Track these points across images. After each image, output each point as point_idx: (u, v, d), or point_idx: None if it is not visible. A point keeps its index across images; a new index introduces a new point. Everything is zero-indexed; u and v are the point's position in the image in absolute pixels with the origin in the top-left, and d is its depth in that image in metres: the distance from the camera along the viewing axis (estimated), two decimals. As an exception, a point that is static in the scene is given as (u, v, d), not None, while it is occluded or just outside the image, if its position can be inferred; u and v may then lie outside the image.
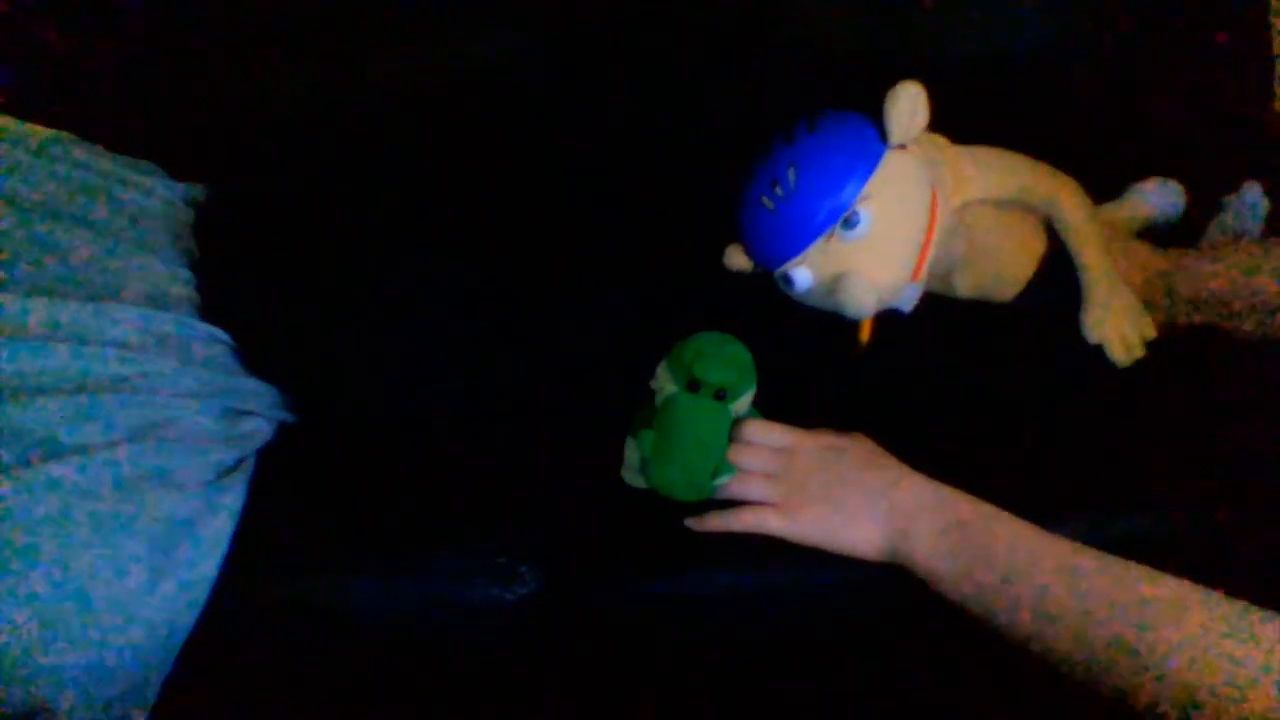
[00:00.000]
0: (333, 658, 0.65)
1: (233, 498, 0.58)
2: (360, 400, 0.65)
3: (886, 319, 0.68)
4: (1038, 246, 0.69)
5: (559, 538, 0.65)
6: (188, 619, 0.55)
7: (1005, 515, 0.54)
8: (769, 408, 0.63)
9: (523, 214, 0.76)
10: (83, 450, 0.51)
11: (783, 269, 0.63)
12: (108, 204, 0.62)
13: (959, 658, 0.64)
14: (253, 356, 0.62)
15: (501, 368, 0.66)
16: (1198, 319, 0.69)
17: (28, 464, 0.49)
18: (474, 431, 0.67)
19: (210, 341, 0.61)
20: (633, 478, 0.61)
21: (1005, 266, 0.69)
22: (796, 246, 0.62)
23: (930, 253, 0.63)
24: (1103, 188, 0.78)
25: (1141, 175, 0.79)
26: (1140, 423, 0.65)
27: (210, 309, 0.61)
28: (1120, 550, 0.50)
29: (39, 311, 0.53)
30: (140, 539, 0.52)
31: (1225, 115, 0.86)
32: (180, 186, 0.70)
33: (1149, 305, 0.69)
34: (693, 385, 0.60)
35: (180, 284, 0.62)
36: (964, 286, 0.70)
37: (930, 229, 0.62)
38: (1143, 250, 0.73)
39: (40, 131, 0.65)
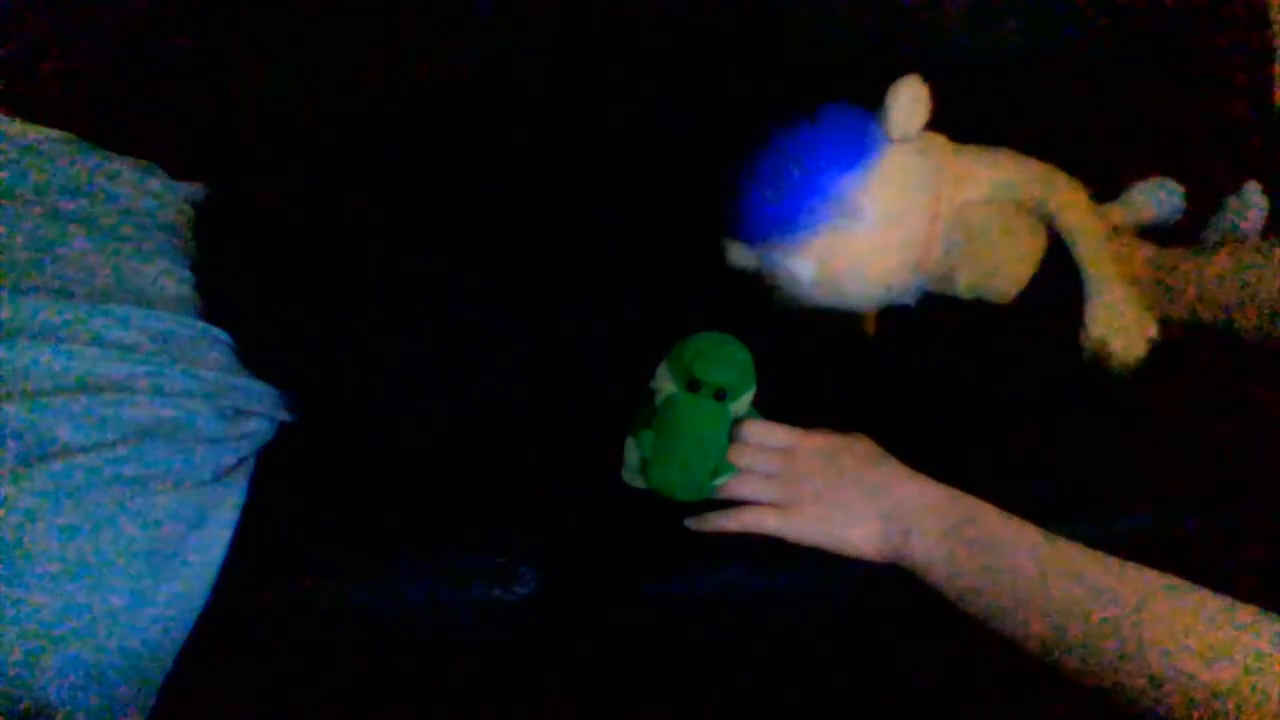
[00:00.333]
0: (333, 658, 0.65)
1: (233, 498, 0.58)
2: (360, 400, 0.65)
3: (889, 314, 0.68)
4: (1038, 245, 0.69)
5: (559, 538, 0.65)
6: (188, 619, 0.55)
7: (1005, 515, 0.54)
8: (769, 408, 0.63)
9: (522, 214, 0.76)
10: (83, 450, 0.51)
11: (785, 262, 0.63)
12: (108, 204, 0.62)
13: (959, 657, 0.64)
14: (253, 356, 0.62)
15: (501, 368, 0.66)
16: (1198, 319, 0.69)
17: (28, 464, 0.49)
18: (474, 431, 0.67)
19: (210, 341, 0.61)
20: (632, 478, 0.61)
21: (1005, 266, 0.70)
22: (799, 238, 0.61)
23: (937, 246, 0.63)
24: (1103, 188, 0.78)
25: (1141, 175, 0.79)
26: (1140, 423, 0.65)
27: (210, 309, 0.61)
28: (1120, 550, 0.50)
29: (39, 311, 0.53)
30: (140, 539, 0.52)
31: (1225, 115, 0.86)
32: (180, 186, 0.70)
33: (1151, 305, 0.69)
34: (692, 385, 0.60)
35: (180, 284, 0.62)
36: (964, 286, 0.70)
37: (934, 222, 0.62)
38: (1142, 250, 0.73)
39: (40, 131, 0.65)
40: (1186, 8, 0.84)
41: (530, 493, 0.65)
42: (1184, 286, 0.68)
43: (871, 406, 0.65)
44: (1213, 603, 0.46)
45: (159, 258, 0.62)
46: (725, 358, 0.61)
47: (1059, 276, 0.67)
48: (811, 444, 0.60)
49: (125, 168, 0.66)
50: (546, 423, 0.66)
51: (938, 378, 0.69)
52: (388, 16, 0.83)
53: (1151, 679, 0.45)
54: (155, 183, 0.67)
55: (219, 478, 0.58)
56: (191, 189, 0.70)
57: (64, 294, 0.55)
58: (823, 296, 0.63)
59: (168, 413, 0.56)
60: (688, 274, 0.71)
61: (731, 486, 0.59)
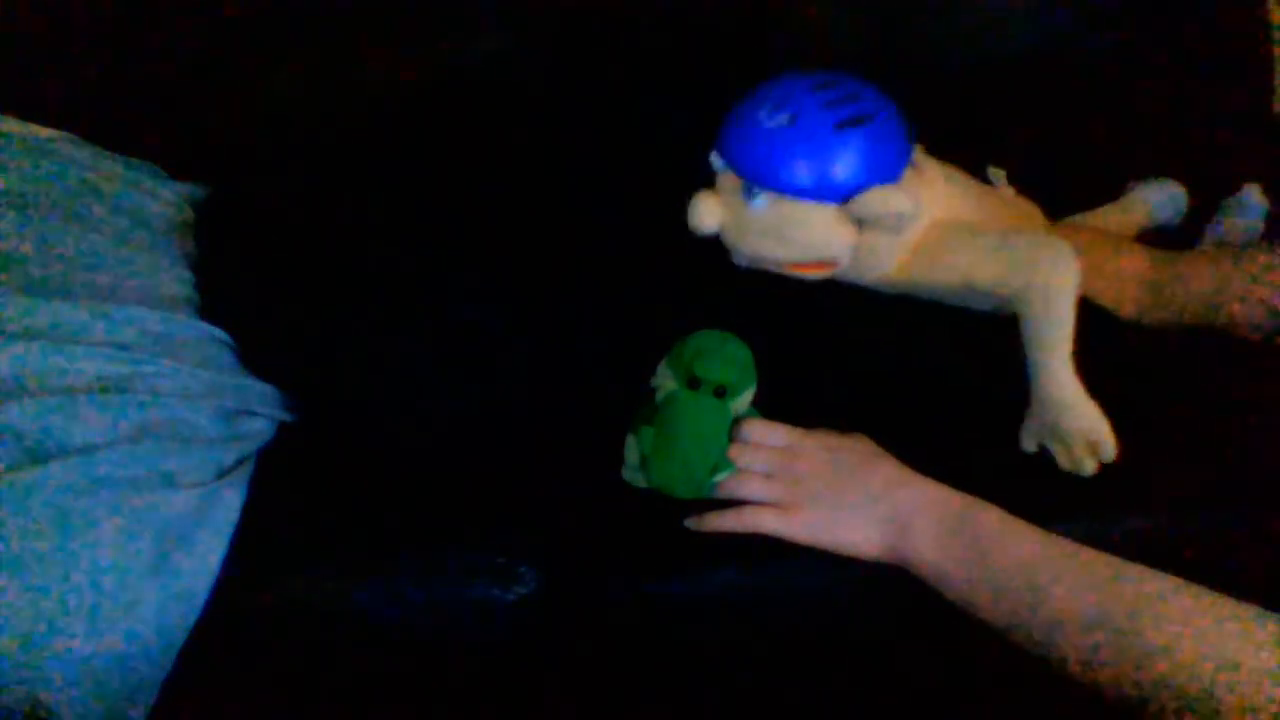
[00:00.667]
0: (333, 658, 0.65)
1: (233, 498, 0.58)
2: (360, 400, 0.65)
3: (882, 318, 0.68)
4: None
5: (559, 538, 0.65)
6: (188, 619, 0.55)
7: (1005, 515, 0.54)
8: (769, 407, 0.63)
9: (522, 214, 0.76)
10: (83, 450, 0.51)
11: (753, 188, 0.60)
12: (108, 204, 0.62)
13: (959, 657, 0.64)
14: (253, 356, 0.62)
15: (501, 367, 0.66)
16: (1197, 321, 0.69)
17: (27, 464, 0.49)
18: (474, 431, 0.67)
19: (210, 341, 0.61)
20: (633, 476, 0.61)
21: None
22: (789, 187, 0.59)
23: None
24: (1102, 189, 0.78)
25: (1141, 176, 0.79)
26: (1140, 423, 0.65)
27: (210, 309, 0.61)
28: (1120, 550, 0.50)
29: (39, 311, 0.53)
30: (140, 539, 0.52)
31: (1225, 115, 0.86)
32: (180, 186, 0.70)
33: (1148, 307, 0.68)
34: (693, 383, 0.60)
35: (180, 284, 0.62)
36: (944, 299, 0.69)
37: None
38: (1142, 252, 0.73)
39: (40, 131, 0.65)
40: (1186, 8, 0.84)
41: (530, 493, 0.65)
42: (1183, 289, 0.68)
43: (871, 406, 0.65)
44: (1212, 603, 0.46)
45: (159, 258, 0.62)
46: (726, 355, 0.62)
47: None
48: (811, 444, 0.60)
49: (125, 168, 0.66)
50: (546, 422, 0.66)
51: (938, 378, 0.69)
52: (388, 16, 0.83)
53: (1151, 679, 0.45)
54: (155, 183, 0.67)
55: (219, 478, 0.58)
56: (191, 189, 0.70)
57: (64, 294, 0.55)
58: (760, 230, 0.61)
59: (168, 413, 0.56)
60: (688, 273, 0.71)
61: (731, 486, 0.59)
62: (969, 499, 0.55)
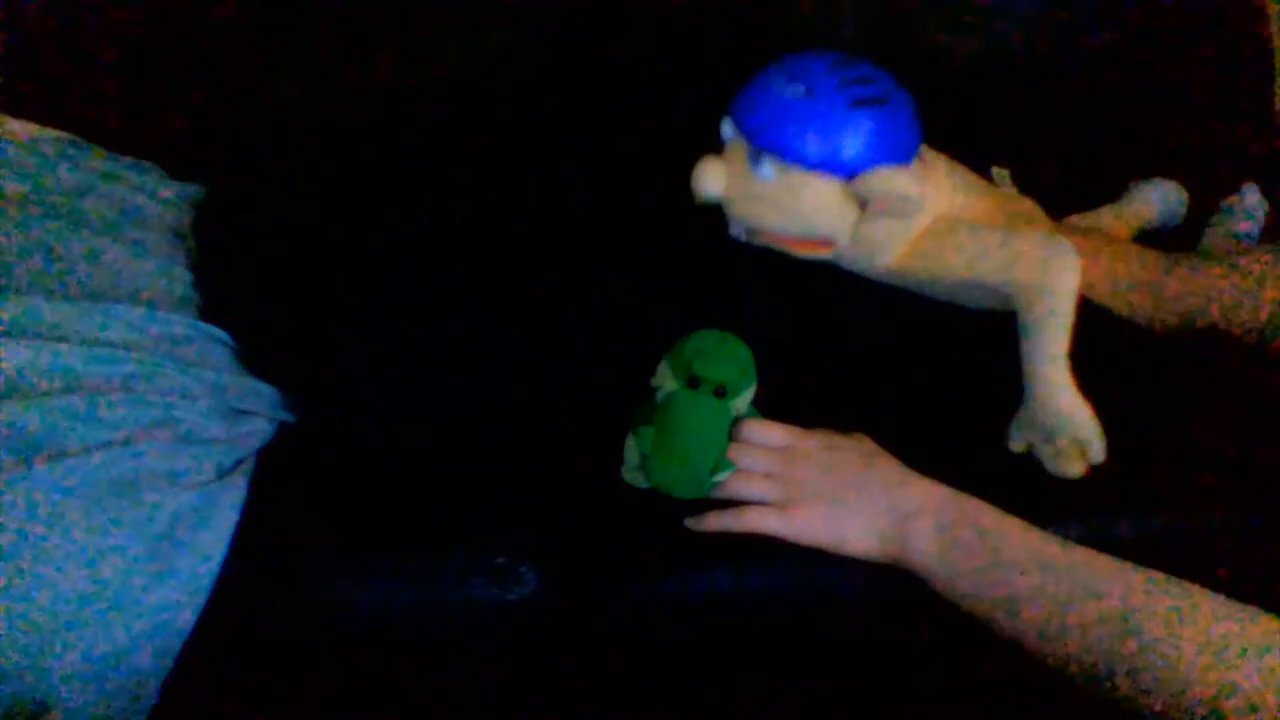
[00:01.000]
0: (333, 658, 0.65)
1: (233, 498, 0.58)
2: (360, 400, 0.65)
3: (881, 318, 0.68)
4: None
5: (559, 538, 0.65)
6: (188, 619, 0.55)
7: (1005, 516, 0.54)
8: (769, 407, 0.63)
9: (523, 213, 0.76)
10: (83, 450, 0.51)
11: (764, 152, 0.60)
12: (108, 204, 0.62)
13: (959, 657, 0.64)
14: (253, 356, 0.62)
15: (501, 367, 0.66)
16: (1197, 321, 0.69)
17: (27, 464, 0.49)
18: (474, 431, 0.67)
19: (210, 341, 0.61)
20: (633, 476, 0.61)
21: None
22: (801, 157, 0.59)
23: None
24: (1102, 189, 0.78)
25: (1141, 176, 0.79)
26: (1140, 423, 0.65)
27: (210, 309, 0.61)
28: (1120, 551, 0.50)
29: (39, 311, 0.53)
30: (140, 539, 0.52)
31: (1225, 116, 0.86)
32: (180, 186, 0.70)
33: (1148, 307, 0.69)
34: (693, 382, 0.60)
35: (180, 284, 0.62)
36: (943, 295, 0.69)
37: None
38: (1142, 253, 0.73)
39: (40, 131, 0.65)
40: (1187, 7, 0.84)
41: (530, 493, 0.65)
42: (1183, 289, 0.68)
43: (871, 406, 0.65)
44: (1211, 603, 0.46)
45: (159, 258, 0.62)
46: (726, 355, 0.62)
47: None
48: (811, 443, 0.60)
49: (125, 168, 0.66)
50: (546, 422, 0.66)
51: (937, 377, 0.69)
52: (389, 16, 0.83)
53: (1150, 679, 0.45)
54: (155, 183, 0.67)
55: (219, 478, 0.58)
56: (191, 189, 0.70)
57: (64, 294, 0.55)
58: (760, 194, 0.61)
59: (168, 413, 0.56)
60: (689, 272, 0.71)
61: (731, 486, 0.59)
62: (969, 499, 0.55)
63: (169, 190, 0.68)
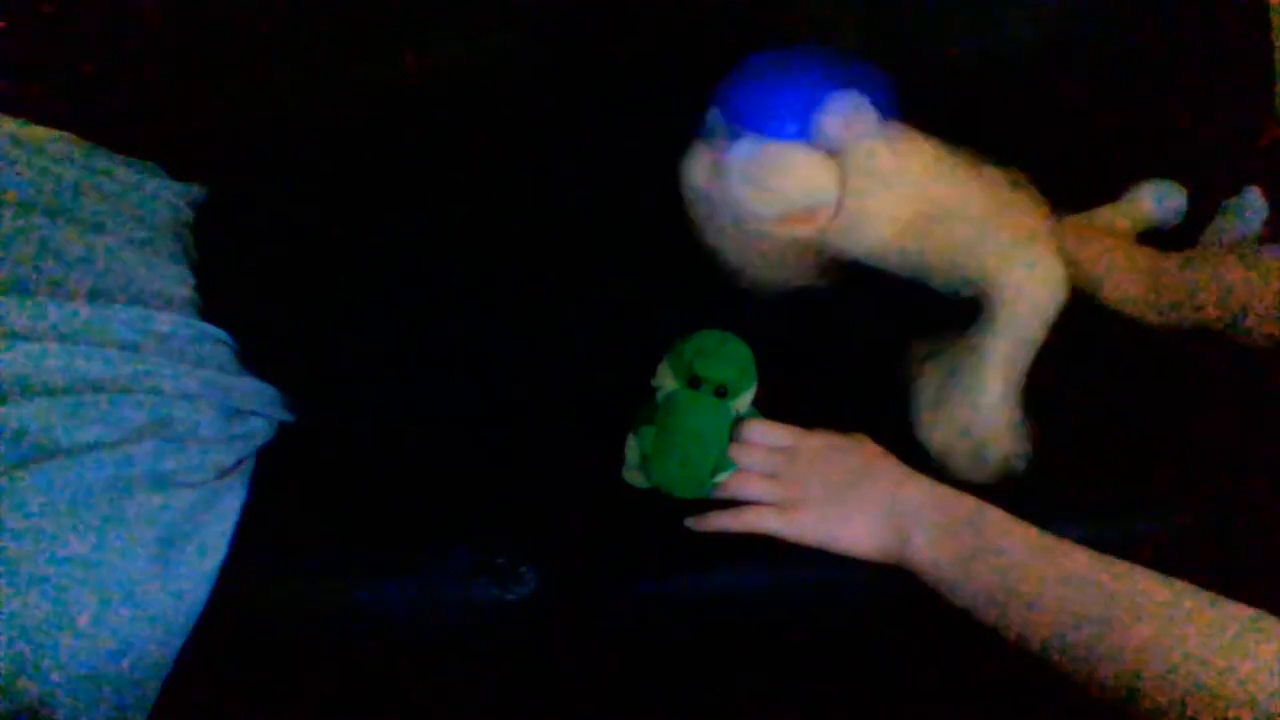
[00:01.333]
0: (333, 658, 0.65)
1: (233, 498, 0.58)
2: (360, 400, 0.65)
3: (881, 318, 0.68)
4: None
5: (559, 538, 0.65)
6: (187, 619, 0.55)
7: (1006, 516, 0.54)
8: (769, 407, 0.63)
9: (523, 214, 0.76)
10: (83, 450, 0.51)
11: (749, 134, 0.61)
12: (108, 204, 0.62)
13: (960, 658, 0.64)
14: (253, 356, 0.62)
15: (501, 367, 0.66)
16: (1197, 321, 0.69)
17: (27, 464, 0.49)
18: (474, 431, 0.67)
19: (210, 341, 0.61)
20: (633, 476, 0.61)
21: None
22: (780, 132, 0.61)
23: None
24: (1102, 189, 0.78)
25: (1141, 177, 0.79)
26: (1141, 423, 0.65)
27: (210, 309, 0.61)
28: (1120, 551, 0.50)
29: (39, 311, 0.53)
30: (140, 539, 0.52)
31: (1225, 116, 0.86)
32: (180, 186, 0.70)
33: (1148, 307, 0.69)
34: (693, 382, 0.60)
35: (180, 284, 0.62)
36: (940, 282, 0.69)
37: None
38: (1142, 253, 0.73)
39: (40, 131, 0.65)
40: (1187, 7, 0.84)
41: (530, 493, 0.65)
42: (1183, 289, 0.68)
43: (872, 406, 0.65)
44: (1212, 604, 0.46)
45: (159, 258, 0.62)
46: (726, 355, 0.62)
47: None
48: (812, 444, 0.60)
49: (125, 168, 0.66)
50: (547, 422, 0.66)
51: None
52: (388, 17, 0.83)
53: (1150, 680, 0.45)
54: (155, 183, 0.67)
55: (219, 478, 0.58)
56: (191, 189, 0.70)
57: (64, 294, 0.55)
58: (742, 176, 0.61)
59: (168, 413, 0.56)
60: (690, 273, 0.71)
61: (732, 486, 0.59)
62: (970, 499, 0.55)
63: (169, 190, 0.68)
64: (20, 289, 0.54)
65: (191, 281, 0.62)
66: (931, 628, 0.58)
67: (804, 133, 0.60)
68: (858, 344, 0.70)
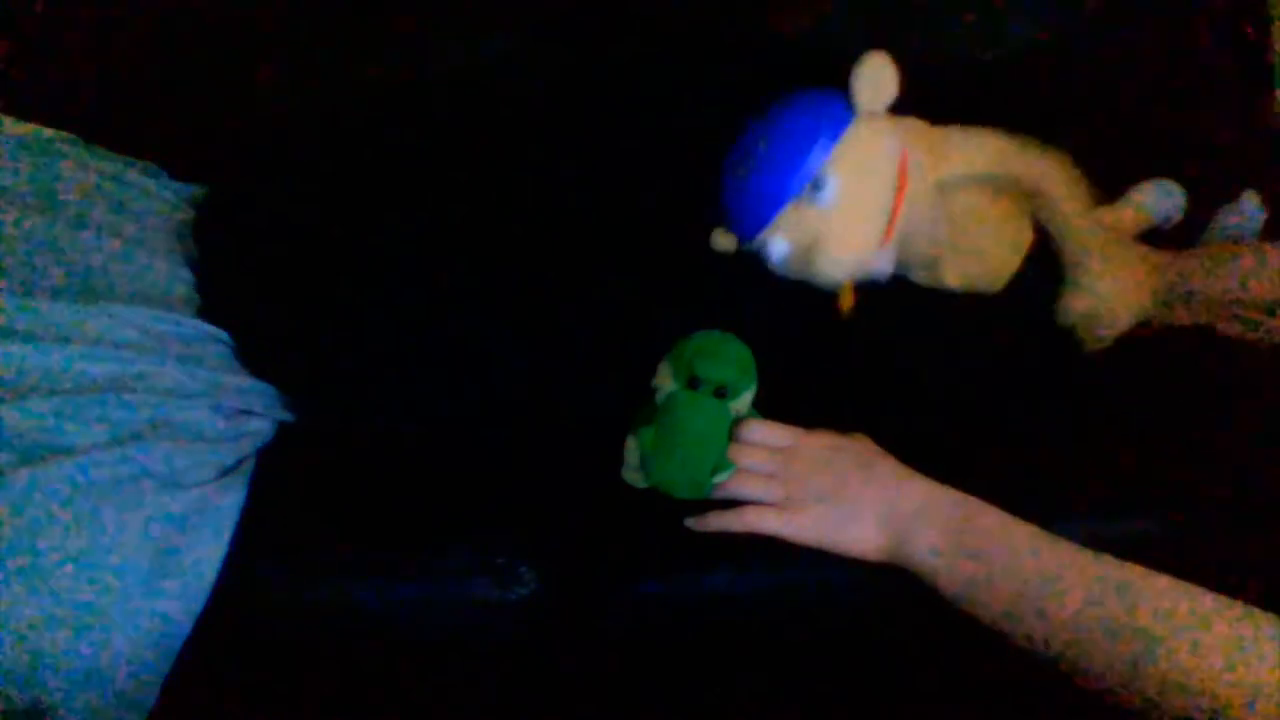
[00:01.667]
0: (333, 658, 0.65)
1: (233, 498, 0.58)
2: (360, 399, 0.65)
3: (881, 318, 0.68)
4: (1024, 234, 0.69)
5: (559, 538, 0.64)
6: (188, 619, 0.55)
7: (1005, 516, 0.54)
8: (769, 407, 0.63)
9: (523, 214, 0.76)
10: (83, 450, 0.51)
11: (759, 238, 0.64)
12: (108, 204, 0.62)
13: (959, 657, 0.64)
14: (253, 356, 0.62)
15: (501, 367, 0.66)
16: (1197, 321, 0.69)
17: (27, 464, 0.49)
18: (473, 431, 0.67)
19: (210, 341, 0.61)
20: (633, 476, 0.61)
21: (991, 255, 0.69)
22: (768, 214, 0.63)
23: (900, 215, 0.63)
24: (1102, 189, 0.78)
25: (1141, 177, 0.79)
26: (1140, 423, 0.65)
27: (210, 309, 0.61)
28: (1120, 550, 0.50)
29: (39, 311, 0.53)
30: (140, 539, 0.52)
31: (1225, 116, 0.86)
32: (180, 186, 0.70)
33: (1148, 307, 0.69)
34: (693, 382, 0.60)
35: (180, 284, 0.62)
36: (951, 276, 0.70)
37: (900, 191, 0.63)
38: (1142, 253, 0.73)
39: (41, 132, 0.65)
40: (1187, 8, 0.84)
41: (530, 493, 0.65)
42: (1183, 289, 0.68)
43: (871, 407, 0.65)
44: (1212, 603, 0.46)
45: (159, 258, 0.62)
46: (726, 355, 0.62)
47: (1048, 268, 0.67)
48: (812, 444, 0.60)
49: (125, 168, 0.66)
50: (546, 422, 0.66)
51: (938, 379, 0.69)
52: (388, 17, 0.83)
53: (1150, 679, 0.45)
54: (155, 183, 0.67)
55: (219, 478, 0.58)
56: (191, 189, 0.70)
57: (64, 294, 0.55)
58: (799, 273, 0.64)
59: (168, 413, 0.56)
60: (690, 273, 0.71)
61: (732, 486, 0.59)
62: (969, 499, 0.55)
63: (169, 190, 0.68)
64: (20, 289, 0.54)
65: (191, 281, 0.62)
66: (931, 628, 0.58)
67: (759, 225, 0.63)
68: (858, 344, 0.70)
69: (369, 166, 0.83)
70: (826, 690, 0.70)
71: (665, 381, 0.62)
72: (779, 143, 0.62)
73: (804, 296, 0.67)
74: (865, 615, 0.65)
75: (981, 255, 0.69)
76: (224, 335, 0.62)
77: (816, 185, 0.61)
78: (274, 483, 0.61)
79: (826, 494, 0.57)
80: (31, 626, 0.48)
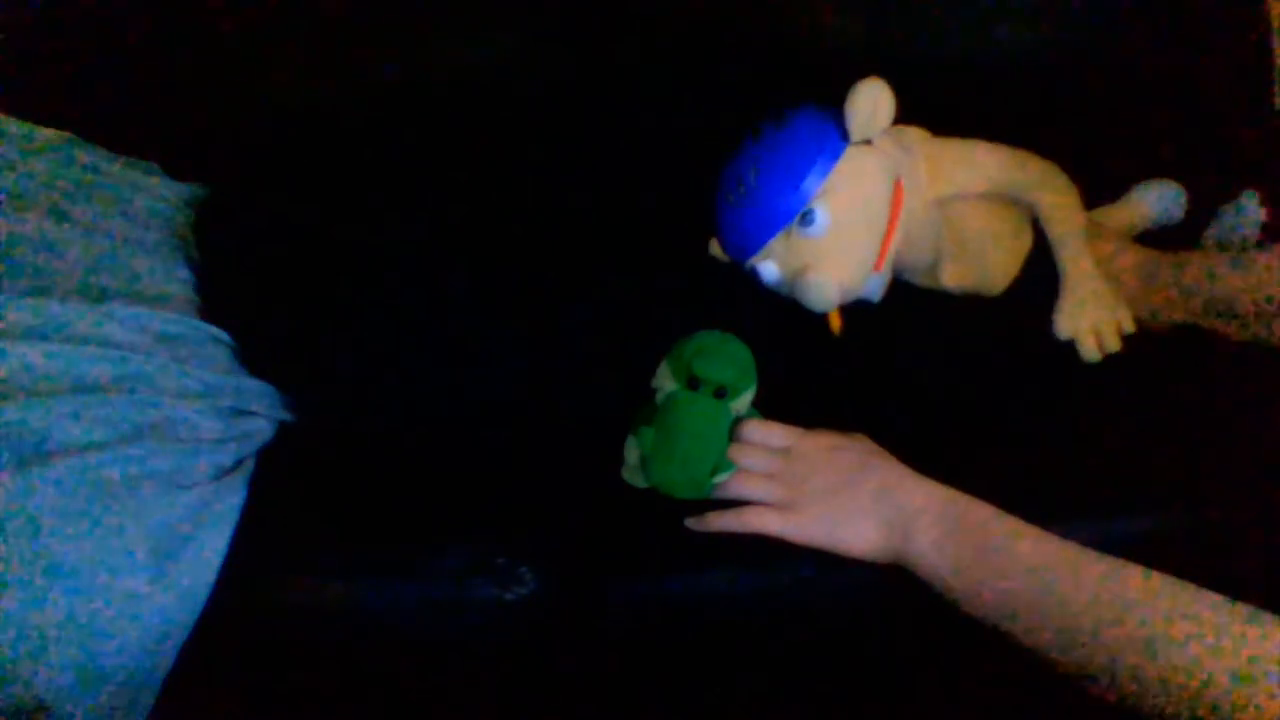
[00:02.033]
0: (332, 658, 0.65)
1: (233, 498, 0.58)
2: (360, 399, 0.65)
3: (881, 319, 0.68)
4: (1024, 240, 0.70)
5: (559, 538, 0.65)
6: (187, 619, 0.55)
7: (1006, 516, 0.54)
8: (769, 407, 0.63)
9: (524, 214, 0.76)
10: (83, 450, 0.51)
11: (749, 263, 0.64)
12: (108, 204, 0.62)
13: (960, 657, 0.64)
14: (253, 356, 0.62)
15: (502, 367, 0.66)
16: (1196, 321, 0.69)
17: (27, 464, 0.49)
18: (474, 431, 0.67)
19: (210, 341, 0.61)
20: (633, 476, 0.61)
21: (991, 260, 0.70)
22: (758, 242, 0.64)
23: (892, 245, 0.64)
24: (1103, 190, 0.78)
25: (1142, 177, 0.79)
26: (1140, 423, 0.65)
27: (210, 309, 0.61)
28: (1120, 550, 0.50)
29: (38, 311, 0.53)
30: (140, 539, 0.52)
31: (1225, 116, 0.86)
32: (180, 186, 0.70)
33: (1146, 308, 0.69)
34: (692, 383, 0.60)
35: (180, 284, 0.62)
36: (951, 280, 0.70)
37: (892, 222, 0.63)
38: (1141, 253, 0.73)
39: (41, 132, 0.65)
40: (1187, 8, 0.84)
41: (530, 492, 0.65)
42: (1182, 289, 0.68)
43: (871, 407, 0.65)
44: (1211, 602, 0.46)
45: (159, 258, 0.62)
46: (725, 355, 0.61)
47: (1048, 270, 0.68)
48: (812, 444, 0.60)
49: (125, 168, 0.66)
50: (546, 422, 0.66)
51: (938, 379, 0.69)
52: (388, 17, 0.83)
53: (1150, 679, 0.45)
54: (155, 183, 0.67)
55: (219, 478, 0.58)
56: (191, 189, 0.70)
57: (64, 294, 0.55)
58: (787, 293, 0.65)
59: (168, 413, 0.56)
60: (690, 274, 0.71)
61: (732, 486, 0.59)
62: (969, 499, 0.55)
63: (169, 190, 0.68)
64: (20, 289, 0.54)
65: (191, 281, 0.62)
66: (931, 628, 0.58)
67: (797, 198, 0.62)
68: (858, 344, 0.70)
69: (369, 167, 0.83)
70: (826, 690, 0.70)
71: (665, 382, 0.62)
72: (769, 173, 0.62)
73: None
74: (865, 615, 0.65)
75: (981, 261, 0.69)
76: (224, 335, 0.62)
77: (806, 219, 0.61)
78: (274, 483, 0.61)
79: (826, 494, 0.57)
80: (31, 626, 0.48)
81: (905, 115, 0.64)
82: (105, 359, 0.54)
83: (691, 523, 0.60)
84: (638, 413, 0.62)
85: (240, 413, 0.61)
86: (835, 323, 0.68)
